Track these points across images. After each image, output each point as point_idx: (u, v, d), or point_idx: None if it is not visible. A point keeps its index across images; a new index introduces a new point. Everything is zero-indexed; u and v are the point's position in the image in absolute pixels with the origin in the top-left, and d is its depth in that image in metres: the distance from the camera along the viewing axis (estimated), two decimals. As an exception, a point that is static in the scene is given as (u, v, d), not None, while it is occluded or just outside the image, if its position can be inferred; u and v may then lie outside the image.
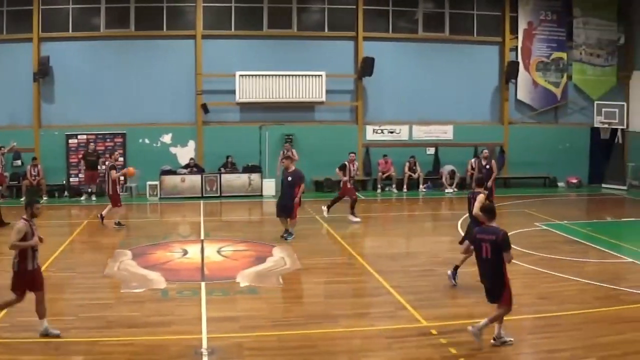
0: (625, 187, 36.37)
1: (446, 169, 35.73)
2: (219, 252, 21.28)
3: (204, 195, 31.80)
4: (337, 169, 27.16)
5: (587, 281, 18.54)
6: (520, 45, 37.36)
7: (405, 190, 34.42)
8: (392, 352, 13.20)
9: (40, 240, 13.73)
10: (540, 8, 37.33)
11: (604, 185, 37.20)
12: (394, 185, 34.74)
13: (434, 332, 14.18)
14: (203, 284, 17.47)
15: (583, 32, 38.00)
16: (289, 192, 23.64)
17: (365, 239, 25.06)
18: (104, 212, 25.75)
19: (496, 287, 13.47)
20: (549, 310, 15.80)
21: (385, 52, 35.12)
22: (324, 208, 27.16)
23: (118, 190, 25.71)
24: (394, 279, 18.52)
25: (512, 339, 13.65)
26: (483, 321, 13.40)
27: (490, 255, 13.38)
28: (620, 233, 26.38)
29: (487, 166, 28.04)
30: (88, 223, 26.28)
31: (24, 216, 13.61)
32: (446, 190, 35.05)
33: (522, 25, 37.30)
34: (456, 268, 18.05)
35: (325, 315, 15.30)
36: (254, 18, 33.92)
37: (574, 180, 37.49)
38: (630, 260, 20.89)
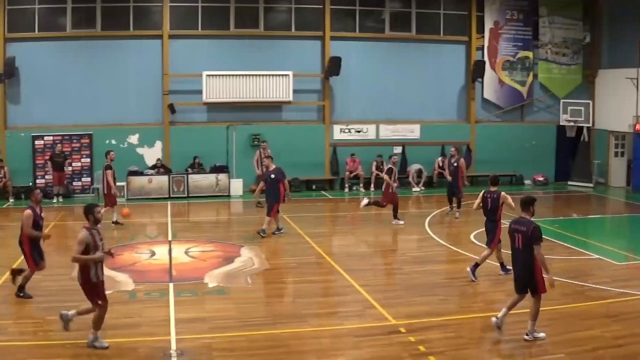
0: (591, 185, 36.61)
1: (413, 167, 35.82)
2: (186, 253, 21.25)
3: (172, 196, 31.66)
4: (384, 174, 26.92)
5: (554, 278, 18.65)
6: (486, 44, 37.52)
7: (372, 189, 34.45)
8: (361, 351, 13.26)
9: (110, 254, 13.55)
10: (506, 7, 37.49)
11: (570, 182, 37.45)
12: (361, 185, 34.76)
13: (402, 330, 14.28)
14: (171, 285, 17.46)
15: (549, 31, 38.24)
16: (272, 190, 24.08)
17: (333, 238, 25.12)
18: (114, 217, 25.86)
19: (524, 278, 13.85)
20: (517, 307, 15.90)
21: (352, 51, 35.14)
22: (364, 200, 27.36)
23: (112, 190, 25.75)
24: (362, 277, 18.59)
25: (542, 335, 13.94)
26: (502, 311, 14.08)
27: (522, 247, 13.74)
28: (586, 230, 26.63)
29: (455, 164, 28.17)
30: (55, 225, 26.11)
31: (87, 224, 13.30)
32: (413, 189, 35.15)
33: (488, 25, 37.45)
34: (476, 265, 18.45)
35: (294, 314, 15.35)
36: (221, 18, 33.79)
37: (541, 178, 37.72)
38: (597, 256, 21.11)
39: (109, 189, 25.56)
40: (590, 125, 37.60)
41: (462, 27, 37.39)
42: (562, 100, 37.86)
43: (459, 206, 28.09)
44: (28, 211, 16.38)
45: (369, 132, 36.07)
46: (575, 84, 38.97)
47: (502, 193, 18.57)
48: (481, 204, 18.99)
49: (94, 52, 32.59)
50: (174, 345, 13.15)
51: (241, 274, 18.84)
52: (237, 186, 32.74)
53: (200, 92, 33.13)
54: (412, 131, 36.69)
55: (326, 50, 34.83)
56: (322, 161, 34.81)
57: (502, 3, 37.34)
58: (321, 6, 34.75)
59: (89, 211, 13.35)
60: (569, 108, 37.26)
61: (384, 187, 26.91)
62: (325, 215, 29.36)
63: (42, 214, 16.60)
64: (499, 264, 19.20)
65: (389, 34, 36.30)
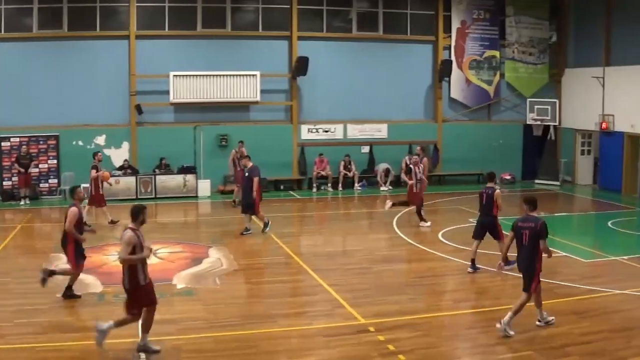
0: (558, 183, 36.87)
1: (381, 167, 35.88)
2: (154, 254, 21.13)
3: (139, 197, 31.43)
4: (402, 174, 26.75)
5: (521, 275, 18.79)
6: (453, 44, 37.67)
7: (340, 189, 34.49)
8: (330, 350, 13.27)
9: (150, 250, 13.33)
10: (473, 7, 37.67)
11: (537, 181, 37.70)
12: (329, 184, 34.77)
13: (371, 329, 14.31)
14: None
15: (515, 31, 38.46)
16: (247, 188, 24.33)
17: (302, 238, 25.12)
18: (109, 218, 26.16)
19: (527, 274, 14.42)
20: (485, 305, 16.03)
21: (320, 51, 35.15)
22: (388, 202, 27.15)
23: (100, 190, 26.00)
24: (331, 277, 18.63)
25: (553, 318, 14.67)
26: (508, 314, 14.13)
27: (528, 243, 14.33)
28: (553, 228, 26.49)
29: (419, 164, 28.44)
30: (22, 227, 25.96)
31: (131, 225, 13.21)
32: (381, 188, 35.22)
33: (455, 24, 37.60)
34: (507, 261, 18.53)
35: (263, 315, 15.33)
36: (188, 18, 33.66)
37: (508, 177, 37.91)
38: (564, 254, 21.25)
39: (97, 190, 25.89)
40: (557, 124, 37.88)
41: (429, 27, 37.52)
42: (528, 99, 38.11)
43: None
44: (74, 209, 16.51)
45: (337, 131, 36.11)
46: (541, 83, 39.23)
47: (497, 191, 19.20)
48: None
49: (61, 53, 32.35)
50: (142, 347, 13.11)
51: (210, 274, 18.81)
52: (204, 187, 32.68)
53: (167, 92, 33.00)
54: (380, 131, 36.78)
55: (293, 50, 34.82)
56: (290, 161, 34.81)
57: (469, 3, 37.52)
58: (288, 6, 34.72)
59: (141, 212, 13.38)
60: (536, 107, 37.53)
61: (407, 187, 26.69)
62: (293, 215, 29.36)
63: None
64: (470, 260, 19.41)
65: (356, 33, 36.36)
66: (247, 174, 24.59)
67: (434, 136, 37.45)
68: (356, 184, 35.15)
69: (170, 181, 32.17)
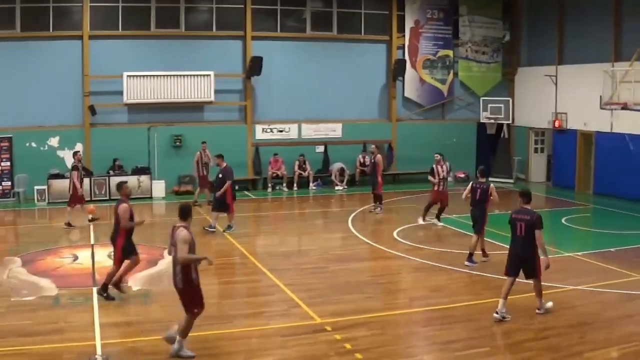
0: (512, 180, 37.15)
1: (335, 166, 35.94)
2: (109, 256, 20.95)
3: (93, 198, 31.17)
4: (429, 175, 26.65)
5: (477, 273, 18.97)
6: (407, 43, 37.83)
7: (295, 188, 34.48)
8: (287, 350, 13.29)
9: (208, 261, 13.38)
10: (427, 7, 37.85)
11: (491, 179, 37.71)
12: (284, 184, 34.75)
13: (328, 328, 14.35)
14: (95, 289, 17.19)
15: (469, 30, 38.72)
16: (220, 188, 24.70)
17: (257, 238, 25.11)
18: (68, 219, 26.00)
19: (529, 263, 15.23)
20: (441, 303, 16.12)
21: (274, 51, 35.10)
22: (420, 220, 26.26)
23: (78, 192, 26.07)
24: (287, 277, 18.66)
25: (549, 305, 15.53)
26: (501, 302, 15.02)
27: (524, 233, 15.22)
28: (507, 225, 26.95)
29: (373, 160, 28.82)
30: (-25, 229, 25.77)
31: (183, 224, 13.25)
32: (336, 188, 35.26)
33: (409, 24, 37.76)
34: (470, 255, 19.74)
35: (220, 316, 15.30)
36: (142, 18, 33.40)
37: (462, 175, 38.14)
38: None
39: (75, 190, 25.94)
40: (510, 122, 38.21)
41: (383, 27, 37.64)
42: (482, 98, 38.40)
43: (378, 201, 28.91)
44: (125, 205, 16.94)
45: (291, 131, 36.11)
46: (495, 81, 39.56)
47: (491, 185, 20.31)
48: (469, 195, 20.36)
49: (13, 54, 31.93)
50: (99, 350, 13.00)
51: (165, 276, 18.66)
52: (159, 188, 32.52)
53: (121, 93, 32.73)
54: (334, 130, 36.83)
55: (247, 50, 34.76)
56: (245, 161, 34.73)
57: (423, 2, 37.70)
58: (242, 6, 34.63)
59: (189, 210, 13.49)
60: (489, 106, 37.84)
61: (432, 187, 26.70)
62: (248, 216, 29.28)
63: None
64: (468, 253, 19.95)
65: (310, 33, 36.38)
66: (220, 175, 24.90)
67: (388, 135, 37.58)
68: (311, 184, 35.17)
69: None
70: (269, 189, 34.43)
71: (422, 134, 37.61)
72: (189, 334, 12.99)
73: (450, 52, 38.64)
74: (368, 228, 25.90)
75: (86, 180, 31.04)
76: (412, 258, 20.68)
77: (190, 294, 12.98)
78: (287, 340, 13.74)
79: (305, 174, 34.86)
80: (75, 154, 26.97)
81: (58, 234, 24.95)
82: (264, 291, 17.79)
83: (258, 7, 35.02)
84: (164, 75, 33.30)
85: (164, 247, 21.89)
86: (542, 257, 15.12)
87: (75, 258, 20.79)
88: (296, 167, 34.70)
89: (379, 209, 28.72)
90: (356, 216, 27.96)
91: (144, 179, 32.27)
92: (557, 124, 35.70)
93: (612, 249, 21.38)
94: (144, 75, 32.92)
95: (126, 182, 17.47)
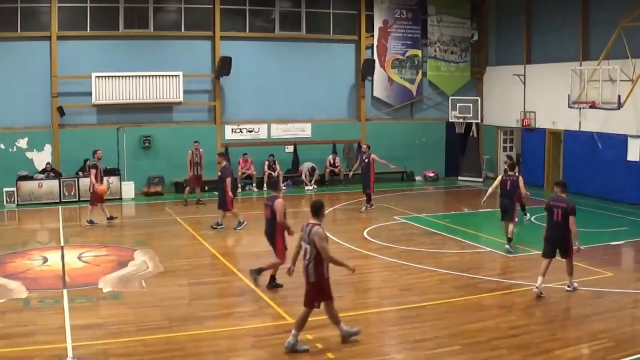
0: (481, 179, 37.36)
1: (305, 166, 35.97)
2: (79, 258, 20.92)
3: (62, 200, 31.04)
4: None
5: (446, 271, 19.07)
6: (375, 43, 37.93)
7: (265, 188, 34.43)
8: (259, 351, 13.29)
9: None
10: (395, 7, 37.98)
11: (460, 178, 38.17)
12: (254, 184, 34.75)
13: (300, 328, 14.32)
14: (65, 291, 17.15)
15: (437, 30, 38.89)
16: (220, 186, 25.34)
17: (227, 239, 25.00)
18: (88, 217, 26.43)
19: (565, 244, 16.93)
20: (411, 302, 16.17)
21: (243, 51, 35.09)
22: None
23: (97, 189, 26.31)
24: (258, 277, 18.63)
25: (576, 284, 17.23)
26: (539, 280, 16.80)
27: (561, 219, 16.83)
28: (477, 224, 27.12)
29: (366, 160, 28.95)
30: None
31: (315, 221, 13.63)
32: (306, 188, 35.31)
33: (377, 24, 37.87)
34: (509, 240, 21.28)
35: (190, 317, 15.27)
36: (110, 18, 33.24)
37: (431, 174, 38.33)
38: (488, 249, 21.58)
39: (94, 188, 26.26)
40: (479, 121, 38.43)
41: (352, 26, 37.76)
42: (450, 98, 38.61)
43: (368, 200, 29.11)
44: (280, 200, 17.74)
45: (261, 131, 36.10)
46: (463, 81, 39.78)
47: (520, 177, 21.86)
48: (499, 186, 22.25)
49: (-20, 55, 31.82)
50: (70, 353, 12.93)
51: (135, 277, 18.67)
52: (128, 189, 32.38)
53: (89, 94, 32.58)
54: (304, 130, 36.87)
55: (216, 50, 34.71)
56: (214, 161, 34.52)
57: (391, 2, 37.84)
58: (211, 6, 34.58)
59: (321, 207, 13.93)
60: (458, 105, 38.04)
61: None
62: (218, 216, 29.24)
63: None
64: (507, 238, 21.44)
65: (279, 33, 36.40)
66: (219, 174, 25.54)
67: (357, 135, 37.65)
68: (281, 184, 35.09)
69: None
70: (239, 189, 34.33)
71: (391, 134, 37.74)
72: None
73: (418, 52, 38.79)
74: (338, 228, 25.91)
75: (55, 182, 31.00)
76: (382, 257, 20.75)
77: (319, 288, 13.44)
78: (258, 341, 13.74)
79: (275, 174, 34.82)
80: (95, 152, 27.02)
81: (27, 235, 24.80)
82: (235, 292, 17.79)
83: (227, 7, 35.01)
84: (132, 76, 33.17)
85: (134, 249, 21.90)
86: (574, 241, 16.81)
87: (45, 260, 20.64)
88: (266, 167, 34.68)
89: (365, 207, 29.15)
90: (326, 216, 27.92)
91: (113, 180, 32.07)
92: (525, 123, 35.93)
93: (582, 247, 21.51)
94: (112, 76, 32.78)
95: (279, 179, 17.79)
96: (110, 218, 26.72)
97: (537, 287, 16.67)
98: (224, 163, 25.56)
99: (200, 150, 31.18)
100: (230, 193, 25.19)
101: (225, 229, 25.17)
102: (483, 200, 23.31)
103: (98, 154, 26.79)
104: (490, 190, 22.40)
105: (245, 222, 25.61)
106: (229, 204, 25.26)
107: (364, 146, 30.04)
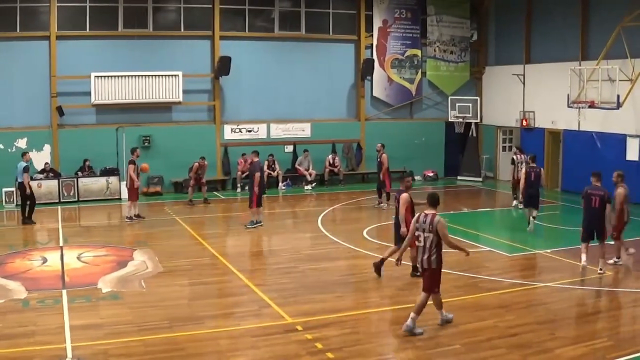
0: (480, 179, 37.38)
1: (302, 162, 36.00)
2: (79, 258, 20.91)
3: (62, 200, 31.00)
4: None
5: (447, 271, 18.93)
6: (375, 43, 37.92)
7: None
8: (258, 351, 13.25)
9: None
10: (394, 6, 37.97)
11: (459, 177, 38.18)
12: (253, 184, 34.74)
13: (299, 328, 14.34)
14: (64, 291, 17.13)
15: (437, 30, 38.88)
16: (250, 183, 25.58)
17: (227, 239, 25.03)
18: (126, 213, 27.19)
19: (600, 229, 18.91)
20: (411, 301, 16.09)
21: (242, 51, 35.06)
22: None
23: (135, 185, 26.93)
24: (257, 277, 18.69)
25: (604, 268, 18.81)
26: (583, 258, 18.96)
27: (598, 206, 18.80)
28: (477, 223, 27.10)
29: (378, 159, 29.75)
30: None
31: (432, 211, 14.45)
32: (305, 188, 35.31)
33: (377, 24, 37.86)
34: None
35: (190, 317, 15.25)
36: (109, 18, 33.19)
37: (430, 174, 38.34)
38: (488, 249, 21.59)
39: (132, 183, 26.88)
40: (478, 121, 38.43)
41: (351, 26, 37.74)
42: (450, 97, 38.62)
43: (387, 198, 29.38)
44: (406, 194, 18.49)
45: (260, 131, 36.07)
46: (462, 81, 39.77)
47: (542, 168, 24.80)
48: (524, 177, 24.90)
49: (-21, 55, 31.79)
50: (69, 353, 12.91)
51: (135, 277, 18.66)
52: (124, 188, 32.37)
53: (88, 93, 32.53)
54: (303, 130, 36.85)
55: (216, 50, 34.69)
56: (214, 161, 34.62)
57: (391, 2, 37.83)
58: (210, 6, 34.55)
59: (439, 199, 14.92)
60: (457, 105, 38.04)
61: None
62: (218, 216, 29.26)
63: None
64: (531, 219, 24.33)
65: (278, 33, 36.38)
66: (249, 171, 26.02)
67: (357, 135, 37.66)
68: (280, 184, 35.16)
69: (93, 184, 31.72)
70: (238, 189, 34.36)
71: (390, 134, 37.67)
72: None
73: (418, 52, 38.79)
74: (338, 227, 25.94)
75: (54, 182, 30.98)
76: (381, 257, 20.72)
77: (438, 274, 14.36)
78: (258, 341, 13.71)
79: (274, 174, 34.83)
80: (134, 150, 27.83)
81: (26, 236, 24.79)
82: (235, 292, 17.74)
83: (226, 7, 34.98)
84: (132, 76, 33.13)
85: (133, 249, 21.89)
86: (607, 226, 19.00)
87: (45, 260, 20.62)
88: (265, 167, 34.61)
89: (381, 203, 29.77)
90: (326, 216, 28.01)
91: (113, 180, 32.06)
92: (524, 123, 35.94)
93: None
94: (111, 76, 32.73)
95: (410, 175, 19.91)
96: (137, 216, 27.09)
97: (584, 262, 18.86)
98: (256, 159, 26.03)
99: (206, 163, 31.29)
100: (256, 189, 25.36)
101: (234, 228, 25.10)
102: (520, 200, 26.62)
103: (137, 152, 27.73)
104: (522, 185, 24.82)
105: (259, 224, 25.71)
106: (253, 202, 25.54)
107: (378, 145, 30.41)
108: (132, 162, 27.01)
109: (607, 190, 18.78)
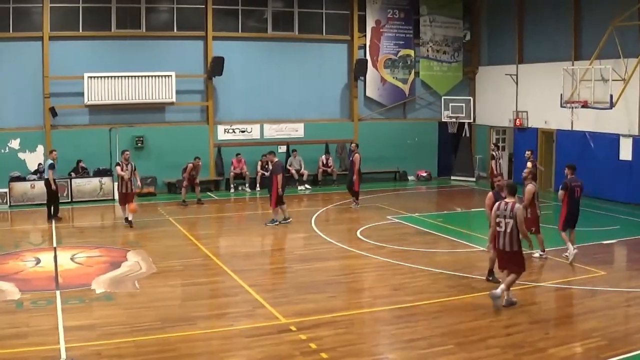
0: (473, 179, 37.44)
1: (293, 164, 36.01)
2: (72, 259, 20.87)
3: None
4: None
5: (440, 271, 19.08)
6: (368, 43, 37.95)
7: (258, 189, 34.44)
8: (252, 351, 13.24)
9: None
10: (387, 7, 38.01)
11: (452, 177, 38.25)
12: (247, 185, 34.72)
13: (293, 328, 14.33)
14: (58, 292, 17.10)
15: (430, 30, 38.93)
16: (269, 183, 25.91)
17: (220, 239, 25.06)
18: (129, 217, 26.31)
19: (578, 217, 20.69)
20: (404, 301, 16.16)
21: (235, 51, 35.07)
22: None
23: (123, 189, 26.69)
24: (251, 277, 18.63)
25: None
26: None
27: (579, 196, 20.61)
28: (470, 223, 27.14)
29: (351, 159, 29.97)
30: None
31: (513, 200, 15.80)
32: (299, 187, 35.31)
33: (370, 24, 37.88)
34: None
35: (183, 318, 15.22)
36: (102, 18, 33.14)
37: (424, 174, 38.37)
38: (481, 248, 21.51)
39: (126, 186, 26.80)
40: (471, 121, 38.50)
41: (344, 26, 37.77)
42: (443, 97, 38.70)
43: (357, 197, 29.89)
44: (490, 193, 18.63)
45: (254, 131, 36.08)
46: (456, 81, 39.82)
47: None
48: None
49: (-29, 55, 31.73)
50: (63, 354, 12.88)
51: (128, 278, 18.63)
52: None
53: (81, 94, 32.50)
54: (297, 130, 36.86)
55: (209, 50, 34.68)
56: (207, 162, 34.60)
57: (383, 2, 37.86)
58: (203, 6, 34.54)
59: (516, 188, 16.34)
60: (450, 105, 38.12)
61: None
62: (211, 217, 29.25)
63: None
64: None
65: (271, 33, 36.38)
66: (266, 174, 26.27)
67: (350, 135, 37.65)
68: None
69: (86, 185, 31.66)
70: (232, 190, 34.36)
71: (383, 134, 37.80)
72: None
73: (411, 52, 38.82)
74: (331, 227, 25.95)
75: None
76: (375, 257, 20.73)
77: (520, 256, 15.91)
78: (251, 341, 13.70)
79: (267, 174, 34.78)
80: (123, 152, 27.66)
81: (19, 237, 24.76)
82: (228, 292, 17.71)
83: (219, 7, 34.97)
84: (125, 76, 33.10)
85: (127, 249, 21.87)
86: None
87: (38, 261, 20.59)
88: (259, 168, 34.64)
89: (354, 204, 29.85)
90: (319, 216, 28.02)
91: (106, 181, 32.04)
92: (517, 123, 35.98)
93: (576, 246, 21.50)
94: (104, 77, 32.70)
95: (501, 174, 20.90)
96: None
97: (574, 249, 19.93)
98: (276, 159, 26.37)
99: (200, 163, 31.27)
100: (279, 189, 25.63)
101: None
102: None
103: (126, 155, 27.31)
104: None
105: (279, 223, 26.09)
106: (273, 202, 25.85)
107: (352, 145, 30.86)
108: (118, 164, 26.96)
109: (582, 181, 20.73)
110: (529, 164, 26.43)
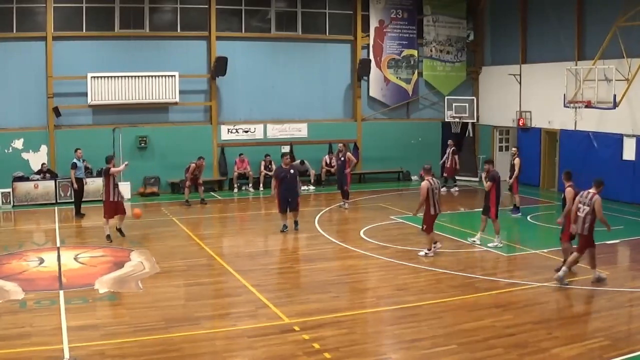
0: (476, 179, 37.35)
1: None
2: (76, 259, 20.88)
3: (58, 201, 31.00)
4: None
5: (442, 271, 19.07)
6: (371, 43, 37.92)
7: (261, 189, 34.44)
8: (255, 351, 13.25)
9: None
10: (391, 7, 37.99)
11: (456, 177, 38.13)
12: (250, 185, 34.70)
13: (296, 328, 14.34)
14: (61, 292, 17.12)
15: (433, 30, 38.90)
16: (293, 185, 25.18)
17: (223, 239, 25.06)
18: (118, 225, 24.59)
19: None
20: (408, 301, 16.17)
21: (239, 51, 35.08)
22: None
23: (111, 197, 24.29)
24: (254, 277, 18.63)
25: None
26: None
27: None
28: (473, 223, 27.01)
29: (342, 158, 29.33)
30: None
31: (596, 191, 17.54)
32: (302, 187, 35.28)
33: (373, 24, 37.86)
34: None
35: (186, 318, 15.24)
36: (106, 19, 33.14)
37: (426, 174, 38.33)
38: (484, 249, 21.56)
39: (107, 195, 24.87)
40: (475, 120, 38.44)
41: (348, 26, 37.73)
42: (446, 97, 38.63)
43: (345, 197, 29.76)
44: (570, 189, 19.07)
45: (257, 131, 36.05)
46: (459, 81, 39.77)
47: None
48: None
49: (-25, 56, 31.75)
50: (66, 354, 12.89)
51: (132, 278, 18.64)
52: (124, 189, 32.19)
53: (85, 94, 32.51)
54: (300, 130, 36.84)
55: (212, 51, 34.67)
56: (210, 162, 34.59)
57: (387, 2, 37.84)
58: (207, 6, 34.53)
59: (602, 183, 17.80)
60: (454, 104, 38.05)
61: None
62: (214, 217, 29.26)
63: None
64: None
65: (275, 33, 36.37)
66: (292, 172, 25.36)
67: (353, 135, 37.64)
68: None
69: (89, 184, 31.53)
70: (235, 190, 34.37)
71: (387, 134, 37.77)
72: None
73: (414, 52, 38.80)
74: (334, 227, 25.96)
75: (51, 183, 30.96)
76: (378, 257, 20.74)
77: (591, 239, 17.69)
78: (254, 341, 13.71)
79: (271, 174, 34.78)
80: (108, 158, 26.12)
81: (23, 236, 24.76)
82: (231, 292, 17.73)
83: (222, 7, 34.97)
84: (128, 76, 33.10)
85: (130, 249, 21.88)
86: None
87: (41, 261, 20.60)
88: (262, 168, 34.64)
89: (345, 204, 29.59)
90: (322, 216, 28.01)
91: (109, 180, 31.99)
92: (521, 123, 35.96)
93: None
94: (108, 77, 32.71)
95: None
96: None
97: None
98: (296, 161, 26.57)
99: (204, 164, 31.24)
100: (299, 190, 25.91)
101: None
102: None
103: (112, 162, 25.54)
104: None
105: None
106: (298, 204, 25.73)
107: (340, 145, 30.87)
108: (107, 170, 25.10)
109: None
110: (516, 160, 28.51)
